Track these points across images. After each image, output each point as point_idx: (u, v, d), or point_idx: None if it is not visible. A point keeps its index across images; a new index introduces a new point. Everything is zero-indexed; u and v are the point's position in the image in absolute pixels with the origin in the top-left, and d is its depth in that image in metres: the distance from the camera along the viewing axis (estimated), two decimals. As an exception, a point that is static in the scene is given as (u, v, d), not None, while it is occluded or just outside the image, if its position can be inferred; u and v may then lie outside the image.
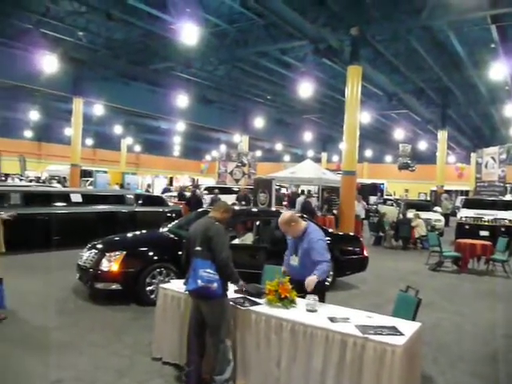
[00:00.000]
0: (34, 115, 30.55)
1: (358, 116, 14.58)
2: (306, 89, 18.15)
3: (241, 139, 31.43)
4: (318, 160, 35.69)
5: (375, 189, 28.51)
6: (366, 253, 8.09)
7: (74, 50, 18.04)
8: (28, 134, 41.05)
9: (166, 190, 28.75)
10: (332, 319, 3.50)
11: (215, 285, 3.68)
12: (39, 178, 27.76)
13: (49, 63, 16.80)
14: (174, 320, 4.20)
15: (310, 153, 42.23)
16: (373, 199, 25.18)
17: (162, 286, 4.48)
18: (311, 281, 3.94)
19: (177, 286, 4.35)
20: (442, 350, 5.13)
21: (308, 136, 34.06)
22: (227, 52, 17.51)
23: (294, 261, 4.34)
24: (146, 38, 17.65)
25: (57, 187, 17.79)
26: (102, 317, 5.71)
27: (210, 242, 3.81)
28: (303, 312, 3.68)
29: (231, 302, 3.87)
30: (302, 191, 21.47)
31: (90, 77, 21.08)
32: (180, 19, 14.19)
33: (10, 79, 20.22)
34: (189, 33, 13.83)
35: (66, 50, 17.56)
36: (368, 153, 42.03)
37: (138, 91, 24.54)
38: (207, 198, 17.91)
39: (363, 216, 15.58)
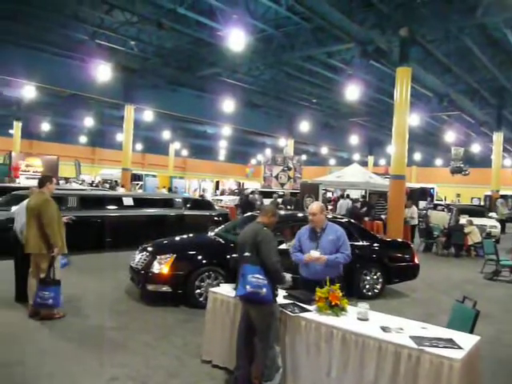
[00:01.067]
0: (89, 122, 32.01)
1: (407, 118, 14.17)
2: (352, 91, 17.92)
3: (286, 143, 31.43)
4: (364, 164, 35.01)
5: (425, 193, 27.48)
6: (416, 260, 7.83)
7: (126, 58, 18.76)
8: (83, 139, 43.10)
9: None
10: (384, 329, 3.41)
11: (264, 290, 3.69)
12: (93, 181, 28.97)
13: (103, 72, 17.60)
14: (223, 324, 4.25)
15: (356, 156, 41.52)
16: (422, 204, 24.33)
17: (211, 289, 4.54)
18: (321, 258, 4.27)
19: (226, 290, 4.40)
20: (502, 365, 4.86)
21: (354, 139, 33.52)
22: (273, 56, 17.62)
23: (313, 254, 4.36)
24: (194, 45, 18.09)
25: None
26: (152, 318, 5.86)
27: (258, 247, 3.84)
28: (354, 320, 3.61)
29: (280, 308, 3.87)
30: (342, 195, 21.11)
31: (141, 84, 21.84)
32: (227, 26, 14.44)
33: (67, 88, 21.38)
34: (236, 39, 14.03)
35: (119, 59, 18.30)
36: (417, 156, 40.73)
37: (185, 97, 25.18)
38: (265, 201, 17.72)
39: (416, 222, 15.04)
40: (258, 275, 3.73)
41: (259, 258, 3.80)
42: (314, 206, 4.61)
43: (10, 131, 32.62)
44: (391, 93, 14.98)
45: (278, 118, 30.59)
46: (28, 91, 20.96)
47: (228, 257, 6.29)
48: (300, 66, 19.28)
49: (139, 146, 42.05)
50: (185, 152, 48.52)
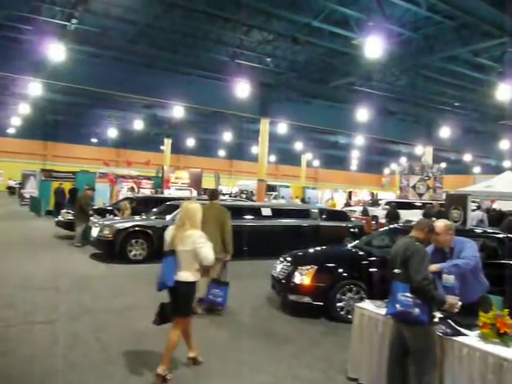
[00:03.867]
0: (227, 136, 34.37)
1: None
2: (503, 91, 16.08)
3: (424, 151, 29.49)
4: (518, 171, 30.94)
5: None
6: None
7: (262, 75, 19.67)
8: (222, 153, 46.38)
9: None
10: None
11: (416, 310, 3.47)
12: (231, 192, 30.84)
13: (241, 89, 18.71)
14: (371, 341, 4.11)
15: (507, 163, 36.95)
16: None
17: (358, 305, 4.43)
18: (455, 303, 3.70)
19: (374, 306, 4.25)
20: None
21: (504, 144, 29.88)
22: (410, 60, 16.84)
23: (448, 280, 3.92)
24: (327, 56, 18.20)
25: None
26: (293, 327, 5.95)
27: (407, 263, 3.63)
28: (528, 353, 3.17)
29: (437, 331, 3.59)
30: (478, 206, 18.77)
31: (275, 98, 22.63)
32: (363, 34, 14.21)
33: (210, 106, 23.23)
34: (372, 46, 13.70)
35: (256, 76, 19.26)
36: None
37: (318, 108, 25.40)
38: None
39: None
40: (408, 294, 3.53)
41: (408, 275, 3.60)
42: (439, 225, 4.19)
43: (161, 147, 36.66)
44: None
45: (414, 124, 28.92)
46: (177, 111, 23.36)
47: (371, 271, 6.11)
48: (440, 68, 18.06)
49: (272, 158, 43.60)
50: (316, 162, 48.80)
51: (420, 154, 30.50)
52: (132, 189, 18.22)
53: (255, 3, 13.47)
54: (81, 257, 10.37)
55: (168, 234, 4.35)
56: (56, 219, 13.97)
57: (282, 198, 27.00)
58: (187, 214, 4.30)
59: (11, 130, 40.83)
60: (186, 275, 4.15)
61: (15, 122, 36.38)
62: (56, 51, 15.18)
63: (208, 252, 4.19)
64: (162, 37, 17.14)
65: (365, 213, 15.85)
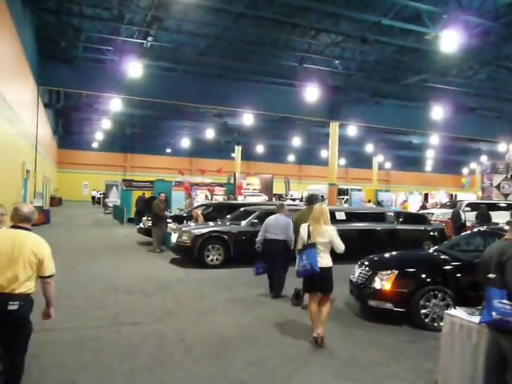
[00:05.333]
0: (296, 141, 34.39)
1: None
2: None
3: (508, 147, 27.43)
4: None
5: None
6: None
7: (331, 78, 19.48)
8: (291, 158, 46.47)
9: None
10: None
11: (516, 318, 3.22)
12: (302, 197, 30.73)
13: (310, 93, 18.66)
14: (463, 352, 3.87)
15: None
16: None
17: (448, 312, 4.19)
18: None
19: (466, 313, 4.00)
20: None
21: None
22: (491, 52, 15.86)
23: None
24: (398, 54, 17.62)
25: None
26: (376, 334, 5.77)
27: (503, 267, 3.38)
28: None
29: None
30: None
31: (344, 100, 22.30)
32: (437, 28, 13.58)
33: (278, 112, 23.43)
34: (447, 40, 13.07)
35: (324, 79, 19.11)
36: None
37: (388, 108, 24.62)
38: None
39: None
40: (506, 301, 3.28)
41: (505, 281, 3.35)
42: None
43: (232, 155, 37.54)
44: None
45: (496, 120, 27.02)
46: (247, 119, 23.80)
47: (458, 276, 5.79)
48: (525, 58, 16.70)
49: (342, 161, 42.90)
50: (388, 164, 47.24)
51: (504, 152, 28.42)
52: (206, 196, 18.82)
53: (323, 6, 13.41)
54: (161, 262, 10.87)
55: (304, 230, 5.43)
56: (137, 226, 14.79)
57: (382, 201, 24.80)
58: (322, 213, 5.40)
59: (95, 144, 44.12)
60: (327, 262, 5.31)
61: (98, 136, 39.30)
62: (134, 68, 16.19)
63: (340, 242, 5.35)
64: (232, 47, 17.65)
65: (456, 217, 14.53)
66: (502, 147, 29.16)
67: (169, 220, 13.05)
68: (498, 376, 3.43)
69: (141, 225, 14.39)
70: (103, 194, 33.47)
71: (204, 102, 21.25)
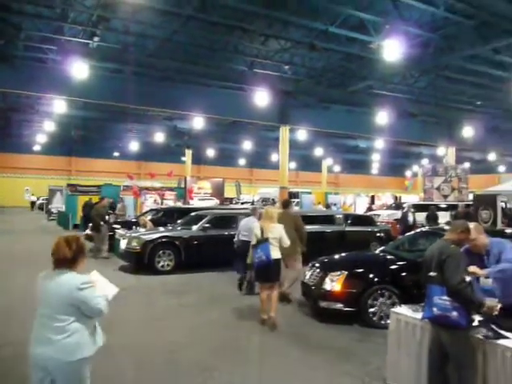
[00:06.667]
0: (247, 145, 34.55)
1: None
2: (528, 88, 15.75)
3: (446, 151, 29.02)
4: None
5: None
6: None
7: (280, 82, 19.74)
8: (242, 161, 46.58)
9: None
10: None
11: (454, 314, 3.42)
12: (253, 201, 30.88)
13: (260, 98, 18.82)
14: (409, 347, 4.05)
15: (535, 161, 36.08)
16: None
17: (393, 310, 4.38)
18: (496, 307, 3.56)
19: (410, 311, 4.19)
20: None
21: (531, 141, 29.19)
22: (430, 61, 16.68)
23: (486, 283, 3.84)
24: (345, 61, 18.17)
25: None
26: (327, 334, 5.91)
27: (442, 265, 3.58)
28: None
29: (478, 335, 3.52)
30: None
31: (294, 105, 22.64)
32: (380, 37, 14.16)
33: (228, 116, 23.40)
34: (390, 49, 13.65)
35: (274, 84, 19.34)
36: None
37: (337, 113, 25.31)
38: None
39: None
40: (445, 297, 3.48)
41: (445, 278, 3.54)
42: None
43: (183, 158, 37.08)
44: None
45: (435, 125, 28.51)
46: (197, 122, 23.59)
47: (403, 275, 6.06)
48: (461, 68, 17.77)
49: (292, 165, 43.56)
50: (337, 168, 48.53)
51: (442, 155, 30.02)
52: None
53: (272, 12, 13.56)
54: (109, 269, 10.49)
55: (257, 228, 6.26)
56: (84, 233, 14.24)
57: (335, 205, 26.52)
58: (272, 214, 6.38)
59: (37, 147, 41.96)
60: (276, 254, 6.10)
61: (41, 139, 37.39)
62: (79, 69, 15.60)
63: (287, 238, 6.22)
64: (181, 50, 17.40)
65: (404, 218, 15.16)
66: (440, 151, 30.79)
67: (117, 226, 12.69)
68: (440, 368, 3.63)
69: (87, 231, 13.87)
70: (46, 199, 31.96)
71: (152, 105, 20.84)
